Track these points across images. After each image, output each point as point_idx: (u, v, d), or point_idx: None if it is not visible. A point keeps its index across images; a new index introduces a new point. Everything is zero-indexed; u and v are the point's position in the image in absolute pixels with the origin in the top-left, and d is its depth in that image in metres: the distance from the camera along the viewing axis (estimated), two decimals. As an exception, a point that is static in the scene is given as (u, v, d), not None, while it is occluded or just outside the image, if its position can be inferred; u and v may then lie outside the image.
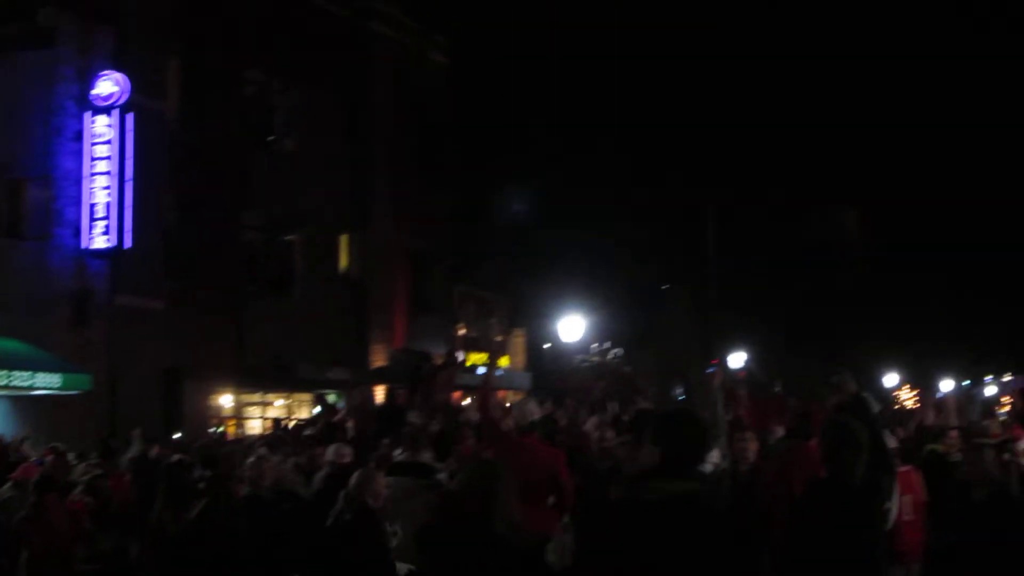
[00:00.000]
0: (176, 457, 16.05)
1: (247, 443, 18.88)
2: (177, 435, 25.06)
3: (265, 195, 34.42)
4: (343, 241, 38.58)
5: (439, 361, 39.48)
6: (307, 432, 20.19)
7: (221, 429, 31.10)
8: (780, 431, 13.23)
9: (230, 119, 33.35)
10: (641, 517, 6.19)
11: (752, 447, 11.82)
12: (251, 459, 12.85)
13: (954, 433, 14.31)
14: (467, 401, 41.61)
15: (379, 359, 38.72)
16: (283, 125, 35.84)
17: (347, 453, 14.06)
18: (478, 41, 45.47)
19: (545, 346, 48.03)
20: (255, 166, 34.25)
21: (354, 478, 10.44)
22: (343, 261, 38.64)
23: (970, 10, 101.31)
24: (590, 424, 17.10)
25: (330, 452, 14.01)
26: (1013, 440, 14.04)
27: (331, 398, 32.36)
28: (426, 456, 12.40)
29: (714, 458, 10.76)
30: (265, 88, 35.34)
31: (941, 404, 17.40)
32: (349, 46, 38.34)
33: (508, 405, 16.63)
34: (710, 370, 16.61)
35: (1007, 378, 70.94)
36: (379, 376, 37.67)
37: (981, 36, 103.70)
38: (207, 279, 31.55)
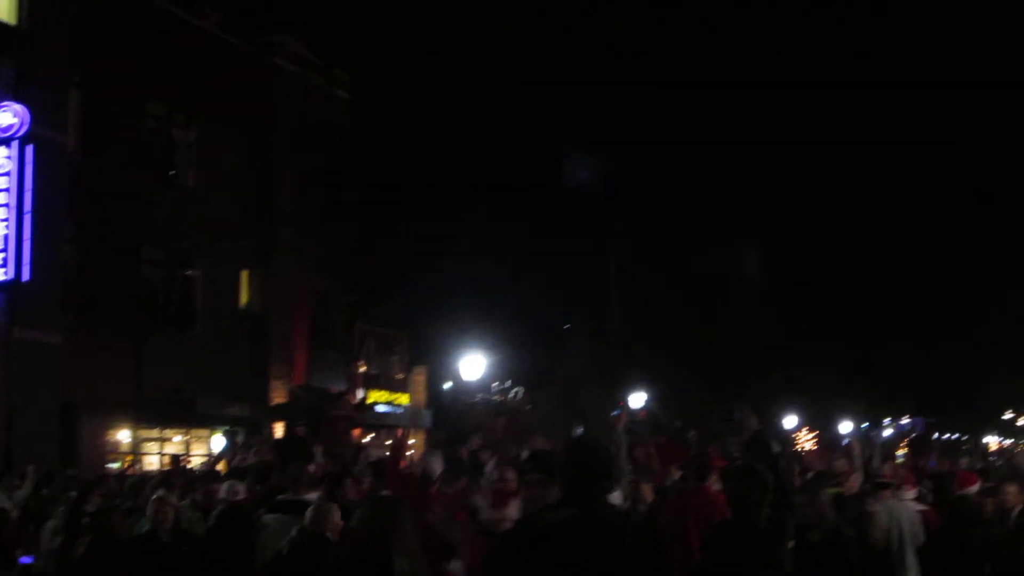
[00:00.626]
0: (72, 494, 15.94)
1: (144, 479, 18.70)
2: (71, 471, 24.71)
3: (165, 229, 34.19)
4: (244, 276, 38.38)
5: (343, 398, 39.51)
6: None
7: (119, 464, 30.81)
8: (676, 473, 13.40)
9: (131, 152, 33.11)
10: (535, 543, 6.15)
11: (647, 488, 11.98)
12: (153, 497, 12.78)
13: (854, 476, 14.55)
14: (368, 439, 41.67)
15: (279, 395, 38.53)
16: (184, 159, 35.60)
17: (240, 490, 14.04)
18: (381, 77, 45.46)
19: (446, 385, 48.01)
20: (156, 200, 34.01)
21: (310, 512, 10.34)
22: (244, 297, 38.44)
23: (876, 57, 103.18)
24: (489, 465, 17.17)
25: (223, 489, 13.99)
26: (902, 487, 14.26)
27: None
28: (312, 495, 12.38)
29: (615, 500, 10.85)
30: (166, 122, 35.13)
31: (848, 449, 17.65)
32: (252, 81, 38.28)
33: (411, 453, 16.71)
34: (615, 412, 16.73)
35: (905, 420, 72.20)
36: (279, 412, 37.52)
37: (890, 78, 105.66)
38: (106, 313, 31.29)
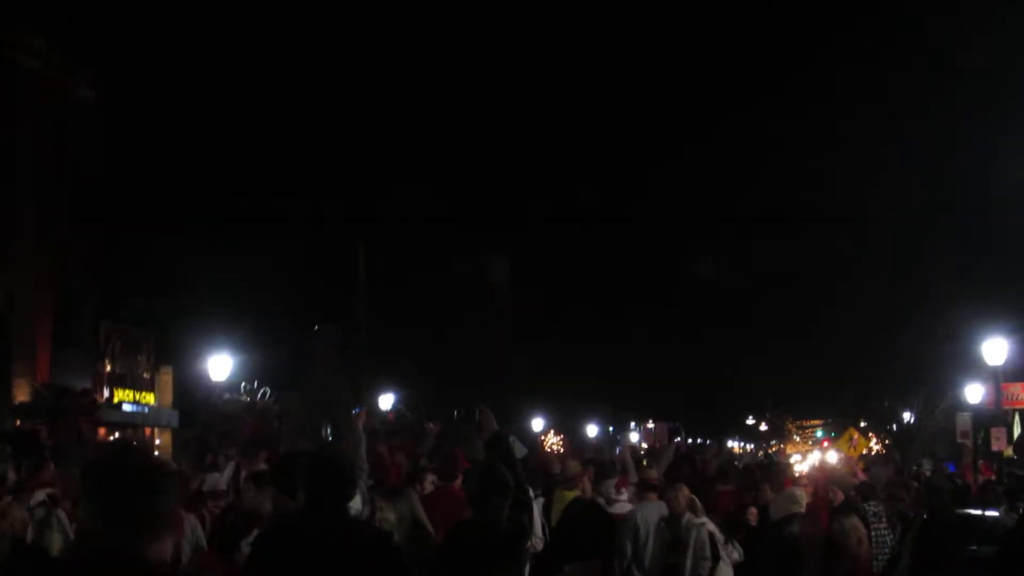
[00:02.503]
0: None
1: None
2: None
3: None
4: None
5: (85, 397, 39.07)
6: None
7: None
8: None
9: None
10: (287, 550, 6.43)
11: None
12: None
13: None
14: (113, 437, 41.28)
15: (21, 394, 37.99)
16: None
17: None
18: (126, 72, 44.91)
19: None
20: None
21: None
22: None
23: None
24: (228, 468, 17.44)
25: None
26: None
27: None
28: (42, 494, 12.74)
29: (356, 504, 11.13)
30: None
31: (622, 457, 18.48)
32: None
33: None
34: (356, 411, 17.23)
35: (650, 424, 74.18)
36: (21, 411, 37.02)
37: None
38: None
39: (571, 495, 13.73)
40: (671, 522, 12.61)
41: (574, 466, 15.19)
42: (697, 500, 13.13)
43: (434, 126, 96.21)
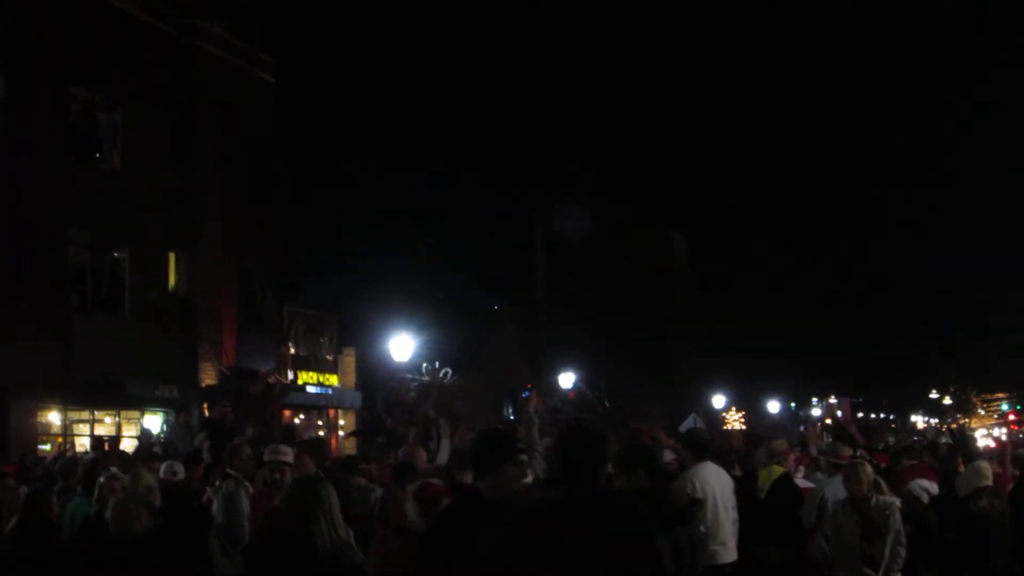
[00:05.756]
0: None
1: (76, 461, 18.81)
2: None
3: (91, 212, 34.16)
4: (172, 258, 38.41)
5: (268, 379, 39.60)
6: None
7: (49, 447, 30.89)
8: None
9: (54, 135, 33.07)
10: (547, 524, 6.19)
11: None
12: (102, 478, 12.83)
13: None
14: (298, 419, 41.82)
15: (209, 377, 38.62)
16: (109, 142, 35.57)
17: (179, 470, 14.24)
18: (305, 60, 45.42)
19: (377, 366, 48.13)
20: (81, 183, 33.99)
21: None
22: (172, 279, 38.47)
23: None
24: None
25: (162, 470, 14.16)
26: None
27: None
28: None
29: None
30: (90, 105, 35.04)
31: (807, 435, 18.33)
32: (175, 64, 38.26)
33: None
34: (525, 394, 17.08)
35: (832, 399, 73.06)
36: (209, 394, 37.64)
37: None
38: (33, 296, 31.21)
39: (779, 471, 14.16)
40: (859, 504, 12.16)
41: (780, 444, 15.10)
42: (881, 479, 12.74)
43: (609, 108, 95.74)
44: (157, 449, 24.04)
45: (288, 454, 12.97)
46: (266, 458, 12.95)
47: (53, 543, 11.20)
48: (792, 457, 15.26)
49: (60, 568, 10.54)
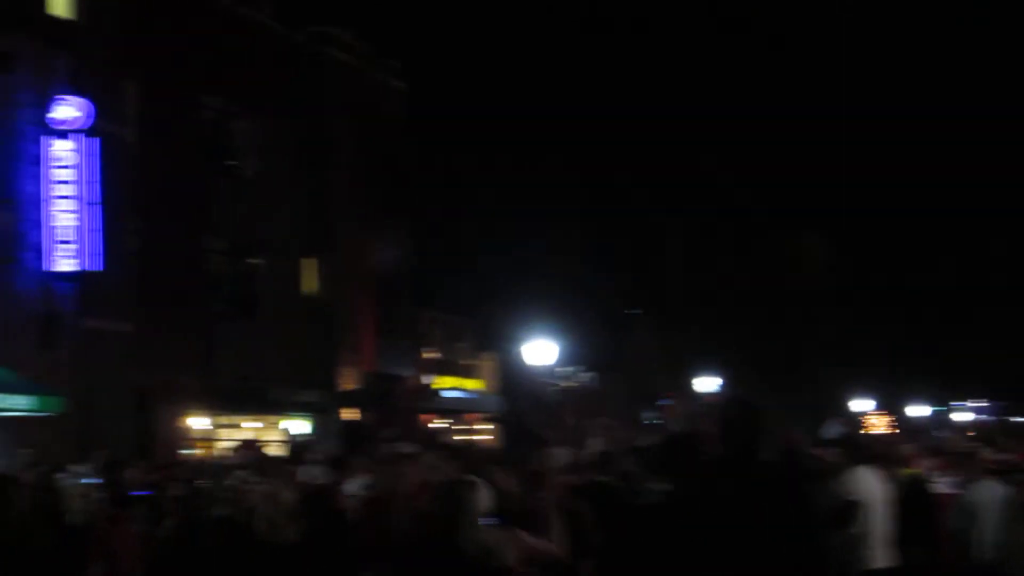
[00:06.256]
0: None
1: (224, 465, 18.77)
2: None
3: (226, 220, 34.54)
4: (307, 265, 38.58)
5: (412, 384, 39.71)
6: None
7: (193, 451, 31.12)
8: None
9: (189, 144, 33.45)
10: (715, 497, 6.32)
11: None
12: (229, 482, 12.75)
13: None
14: (440, 424, 41.86)
15: (347, 382, 38.72)
16: (242, 150, 35.88)
17: (319, 474, 14.09)
18: (432, 63, 45.45)
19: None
20: (215, 191, 34.37)
21: None
22: (309, 284, 38.62)
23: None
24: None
25: (300, 474, 14.00)
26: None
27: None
28: None
29: None
30: (223, 113, 35.39)
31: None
32: (304, 71, 38.50)
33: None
34: (664, 403, 16.74)
35: (980, 403, 71.64)
36: (348, 399, 37.76)
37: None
38: (174, 302, 31.50)
39: (908, 473, 13.91)
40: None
41: (908, 447, 15.15)
42: None
43: (740, 106, 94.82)
44: (310, 455, 23.95)
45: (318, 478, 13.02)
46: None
47: (207, 542, 11.21)
48: (927, 462, 15.06)
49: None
